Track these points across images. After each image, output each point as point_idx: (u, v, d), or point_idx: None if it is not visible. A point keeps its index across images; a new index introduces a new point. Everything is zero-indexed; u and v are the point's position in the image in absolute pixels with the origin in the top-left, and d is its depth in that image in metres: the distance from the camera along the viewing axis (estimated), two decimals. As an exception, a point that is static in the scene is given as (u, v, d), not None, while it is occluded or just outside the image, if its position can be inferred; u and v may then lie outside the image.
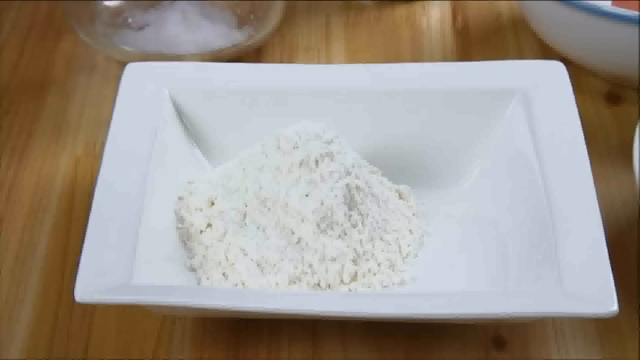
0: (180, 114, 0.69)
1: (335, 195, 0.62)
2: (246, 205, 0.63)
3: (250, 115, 0.69)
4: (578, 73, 0.74)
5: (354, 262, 0.62)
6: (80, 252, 0.58)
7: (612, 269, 0.57)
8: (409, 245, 0.64)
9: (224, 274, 0.62)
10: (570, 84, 0.68)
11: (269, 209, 0.62)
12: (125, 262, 0.58)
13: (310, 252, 0.62)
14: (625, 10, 0.71)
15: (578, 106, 0.66)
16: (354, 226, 0.63)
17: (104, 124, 0.68)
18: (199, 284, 0.62)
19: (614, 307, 0.55)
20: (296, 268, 0.62)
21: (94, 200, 0.61)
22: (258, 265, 0.62)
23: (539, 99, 0.67)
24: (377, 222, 0.64)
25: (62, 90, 0.78)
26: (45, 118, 0.76)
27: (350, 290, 0.62)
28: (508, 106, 0.68)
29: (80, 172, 0.72)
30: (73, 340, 0.62)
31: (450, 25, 0.84)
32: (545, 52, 0.79)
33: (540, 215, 0.61)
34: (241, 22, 0.82)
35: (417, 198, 0.67)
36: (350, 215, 0.62)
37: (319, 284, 0.62)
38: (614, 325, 0.61)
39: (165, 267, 0.61)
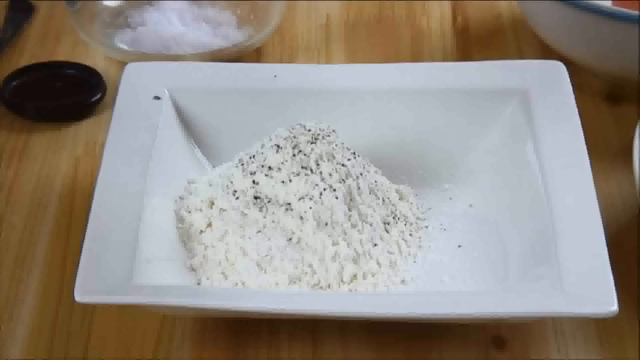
0: (180, 114, 0.69)
1: (336, 196, 0.62)
2: (246, 206, 0.63)
3: (250, 115, 0.69)
4: (578, 73, 0.74)
5: (354, 262, 0.62)
6: (80, 252, 0.58)
7: (612, 269, 0.57)
8: (409, 246, 0.64)
9: (224, 274, 0.62)
10: (570, 84, 0.68)
11: (269, 209, 0.62)
12: (125, 262, 0.58)
13: (310, 252, 0.62)
14: (625, 10, 0.71)
15: (578, 106, 0.66)
16: (354, 226, 0.62)
17: (104, 124, 0.68)
18: (199, 284, 0.62)
19: (614, 307, 0.55)
20: (296, 268, 0.62)
21: (94, 200, 0.61)
22: (258, 265, 0.62)
23: (539, 99, 0.67)
24: (377, 222, 0.63)
25: (62, 90, 0.78)
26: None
27: (350, 290, 0.62)
28: (508, 106, 0.68)
29: (80, 172, 0.72)
30: (73, 340, 0.62)
31: (450, 25, 0.84)
32: (545, 52, 0.79)
33: (540, 215, 0.61)
34: (241, 22, 0.82)
35: (417, 198, 0.67)
36: (350, 215, 0.62)
37: (319, 284, 0.62)
38: (614, 325, 0.61)
39: (165, 267, 0.61)
